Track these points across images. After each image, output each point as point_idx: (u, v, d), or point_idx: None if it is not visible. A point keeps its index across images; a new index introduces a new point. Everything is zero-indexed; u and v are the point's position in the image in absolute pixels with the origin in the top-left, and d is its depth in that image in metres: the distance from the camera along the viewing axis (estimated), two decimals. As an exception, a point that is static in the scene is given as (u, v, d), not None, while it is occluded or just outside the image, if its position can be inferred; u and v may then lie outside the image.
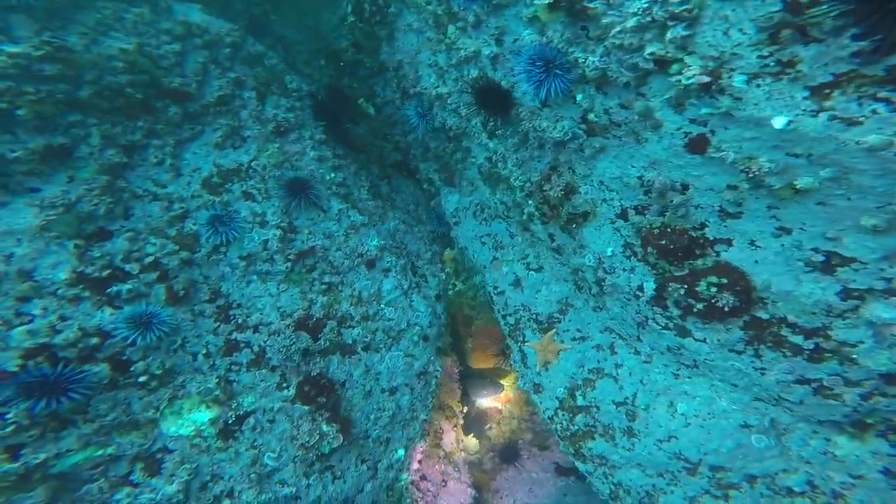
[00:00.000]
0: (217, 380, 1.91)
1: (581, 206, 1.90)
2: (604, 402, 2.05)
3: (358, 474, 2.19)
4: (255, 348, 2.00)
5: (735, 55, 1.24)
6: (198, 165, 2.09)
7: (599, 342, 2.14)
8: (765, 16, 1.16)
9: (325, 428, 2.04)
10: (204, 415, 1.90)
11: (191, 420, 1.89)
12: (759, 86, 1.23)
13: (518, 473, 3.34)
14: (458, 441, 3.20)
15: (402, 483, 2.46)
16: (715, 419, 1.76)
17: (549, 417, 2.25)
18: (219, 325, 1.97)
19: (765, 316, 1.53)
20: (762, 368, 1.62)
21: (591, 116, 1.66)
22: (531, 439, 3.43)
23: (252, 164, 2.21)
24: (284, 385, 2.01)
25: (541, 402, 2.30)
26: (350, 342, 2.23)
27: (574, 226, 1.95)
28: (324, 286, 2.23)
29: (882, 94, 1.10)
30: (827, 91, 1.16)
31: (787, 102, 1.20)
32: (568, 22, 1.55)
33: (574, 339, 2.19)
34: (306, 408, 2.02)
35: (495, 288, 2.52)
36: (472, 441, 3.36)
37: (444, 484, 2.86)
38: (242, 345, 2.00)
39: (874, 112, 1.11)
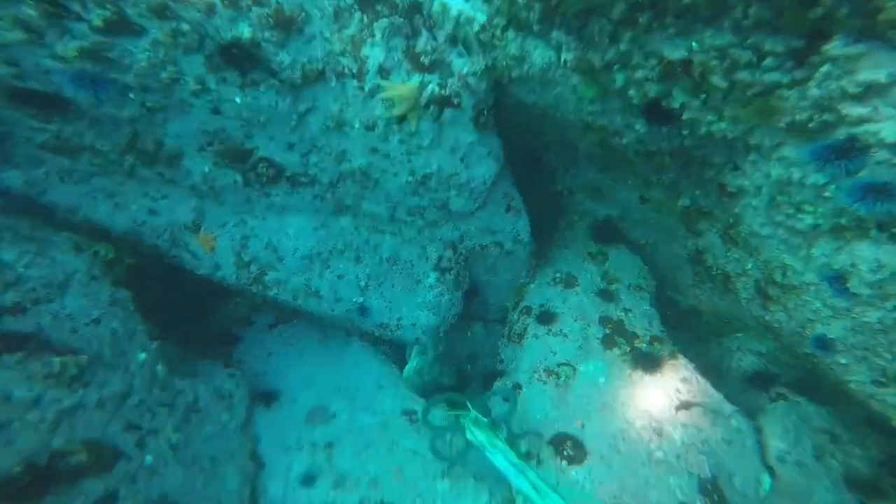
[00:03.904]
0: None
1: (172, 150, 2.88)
2: (256, 249, 3.53)
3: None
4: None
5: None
6: None
7: (236, 221, 3.48)
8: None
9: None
10: None
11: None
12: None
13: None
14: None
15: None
16: (303, 230, 3.54)
17: (235, 279, 3.58)
18: None
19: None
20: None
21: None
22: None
23: None
24: None
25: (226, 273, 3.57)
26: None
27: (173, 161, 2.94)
28: None
29: None
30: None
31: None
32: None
33: (219, 227, 3.45)
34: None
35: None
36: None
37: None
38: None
39: None
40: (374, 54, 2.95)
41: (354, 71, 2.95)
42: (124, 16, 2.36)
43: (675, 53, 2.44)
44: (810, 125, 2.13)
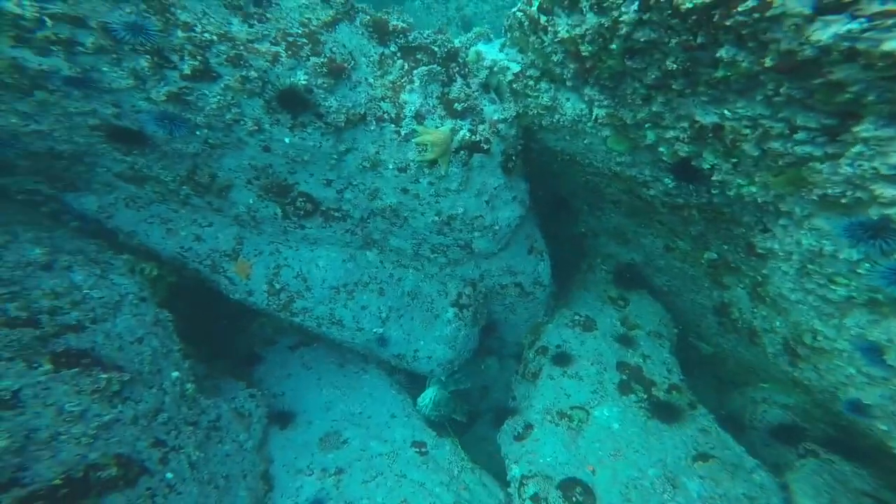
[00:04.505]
0: None
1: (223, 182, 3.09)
2: (287, 278, 3.67)
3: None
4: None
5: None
6: None
7: (271, 250, 3.64)
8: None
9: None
10: None
11: None
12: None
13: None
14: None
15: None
16: (333, 262, 3.67)
17: (265, 305, 3.72)
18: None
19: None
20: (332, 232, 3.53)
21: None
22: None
23: None
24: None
25: (257, 299, 3.72)
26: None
27: (223, 193, 3.14)
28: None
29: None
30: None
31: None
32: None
33: (255, 255, 3.61)
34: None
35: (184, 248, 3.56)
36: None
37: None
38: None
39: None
40: (412, 100, 3.12)
41: (393, 115, 3.12)
42: (208, 65, 2.59)
43: (707, 118, 2.51)
44: (843, 200, 2.14)
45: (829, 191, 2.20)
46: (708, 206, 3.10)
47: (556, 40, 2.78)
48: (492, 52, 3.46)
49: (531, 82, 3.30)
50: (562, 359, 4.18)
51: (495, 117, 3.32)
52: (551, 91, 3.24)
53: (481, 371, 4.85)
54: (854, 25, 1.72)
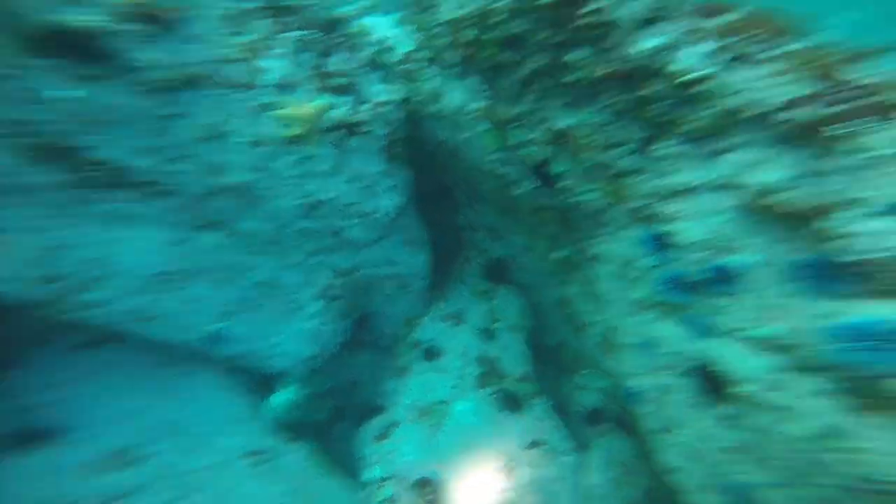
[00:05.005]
0: None
1: None
2: (72, 262, 2.80)
3: None
4: None
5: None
6: None
7: (49, 226, 2.74)
8: None
9: None
10: None
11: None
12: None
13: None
14: None
15: None
16: (152, 244, 2.95)
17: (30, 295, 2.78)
18: None
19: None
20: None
21: None
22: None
23: None
24: None
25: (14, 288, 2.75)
26: None
27: None
28: None
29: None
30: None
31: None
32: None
33: (23, 231, 2.67)
34: None
35: None
36: None
37: None
38: None
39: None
40: (276, 66, 2.61)
41: (245, 82, 2.58)
42: None
43: (560, 123, 2.63)
44: (641, 215, 2.44)
45: (634, 204, 2.47)
46: (560, 209, 3.35)
47: (441, 21, 2.62)
48: (384, 27, 3.14)
49: (421, 65, 3.10)
50: (432, 353, 4.17)
51: (381, 98, 3.03)
52: (439, 78, 3.08)
53: (352, 366, 4.57)
54: (659, 41, 1.91)
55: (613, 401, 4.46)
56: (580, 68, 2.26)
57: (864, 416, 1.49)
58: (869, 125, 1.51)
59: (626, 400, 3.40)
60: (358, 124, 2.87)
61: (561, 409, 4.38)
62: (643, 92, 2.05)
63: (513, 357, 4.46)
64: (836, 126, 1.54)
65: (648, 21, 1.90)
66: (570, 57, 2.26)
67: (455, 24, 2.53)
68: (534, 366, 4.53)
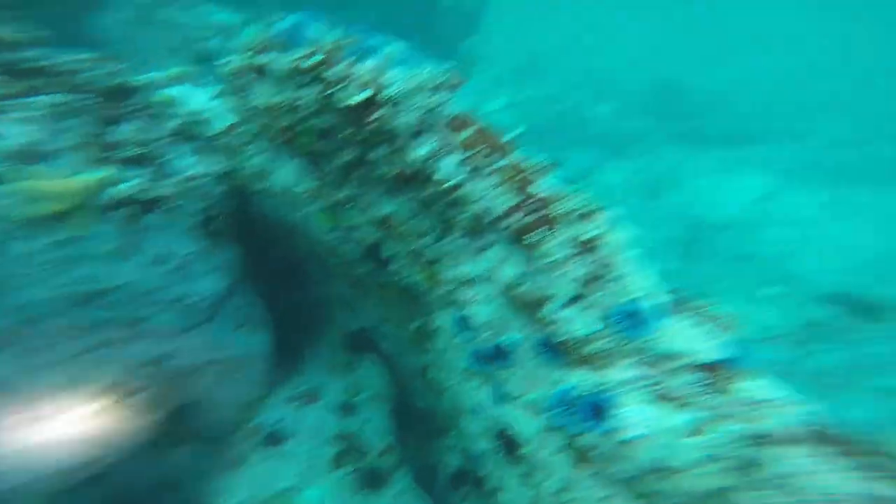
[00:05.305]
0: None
1: None
2: None
3: None
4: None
5: None
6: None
7: None
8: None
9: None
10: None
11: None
12: None
13: None
14: None
15: None
16: None
17: None
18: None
19: None
20: None
21: None
22: None
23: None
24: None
25: None
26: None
27: None
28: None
29: None
30: None
31: None
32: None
33: None
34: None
35: None
36: None
37: None
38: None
39: None
40: (13, 133, 2.38)
41: None
42: None
43: (383, 210, 2.85)
44: (449, 299, 2.71)
45: (444, 288, 2.74)
46: (398, 287, 3.52)
47: (255, 106, 2.74)
48: (199, 99, 3.17)
49: (246, 139, 3.15)
50: (276, 437, 3.84)
51: (194, 171, 2.98)
52: (263, 155, 3.15)
53: (161, 465, 3.95)
54: (427, 150, 2.24)
55: (469, 462, 4.49)
56: (382, 165, 2.51)
57: (579, 470, 1.73)
58: (547, 234, 1.93)
59: (474, 462, 3.47)
60: (156, 200, 2.76)
61: (429, 475, 4.27)
62: (426, 192, 2.34)
63: (375, 429, 4.30)
64: (529, 234, 1.94)
65: (417, 132, 2.23)
66: (372, 155, 2.51)
67: (269, 111, 2.67)
68: (399, 434, 4.42)
